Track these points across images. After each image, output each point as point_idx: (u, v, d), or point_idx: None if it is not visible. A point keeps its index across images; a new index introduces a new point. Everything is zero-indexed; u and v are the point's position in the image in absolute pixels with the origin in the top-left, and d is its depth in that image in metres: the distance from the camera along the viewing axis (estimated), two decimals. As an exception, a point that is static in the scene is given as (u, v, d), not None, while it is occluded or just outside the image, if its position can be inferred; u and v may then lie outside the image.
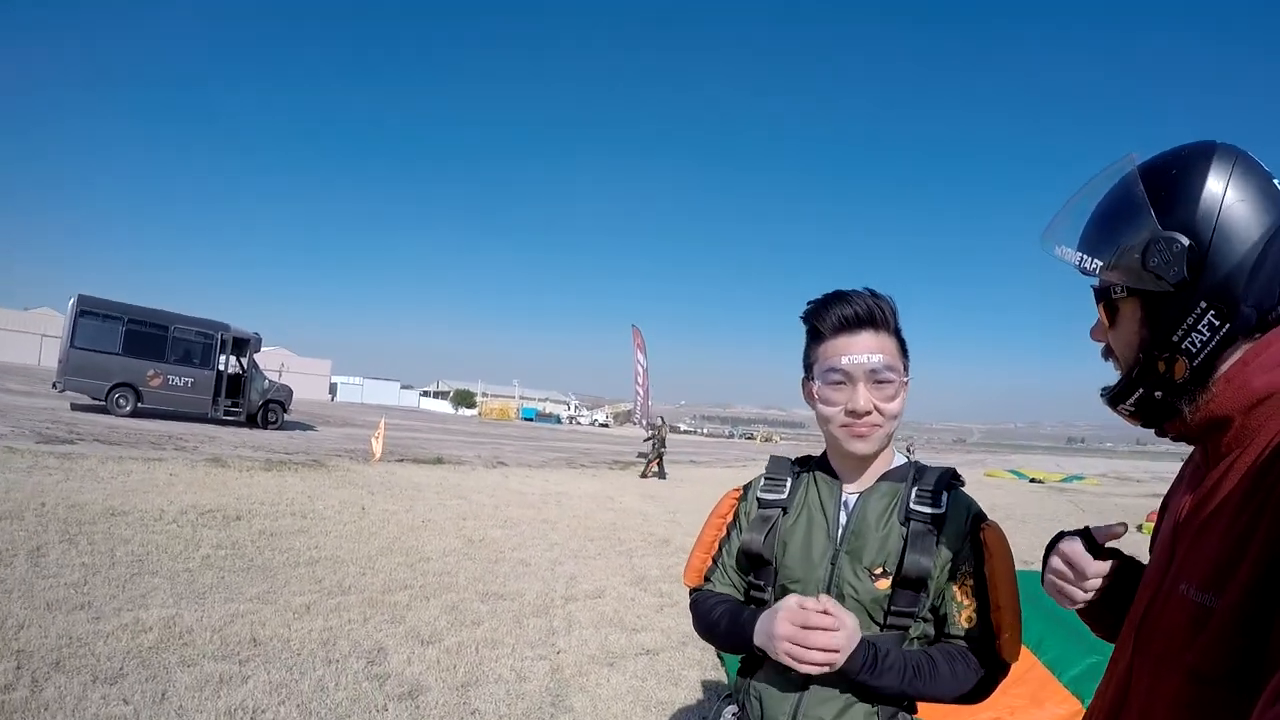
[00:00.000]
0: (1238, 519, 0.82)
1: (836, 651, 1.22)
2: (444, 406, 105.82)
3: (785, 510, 1.45)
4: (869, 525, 1.36)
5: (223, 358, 21.33)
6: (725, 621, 1.41)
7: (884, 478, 1.41)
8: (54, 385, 19.29)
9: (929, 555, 1.31)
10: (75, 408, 19.20)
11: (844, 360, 1.33)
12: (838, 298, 1.38)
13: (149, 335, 20.02)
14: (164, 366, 20.02)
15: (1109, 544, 1.14)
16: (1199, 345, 0.90)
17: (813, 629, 1.22)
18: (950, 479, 1.40)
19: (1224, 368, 0.91)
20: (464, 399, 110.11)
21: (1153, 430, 1.02)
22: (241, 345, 21.86)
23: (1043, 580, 1.19)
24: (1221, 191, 0.89)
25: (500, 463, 18.88)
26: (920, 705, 1.39)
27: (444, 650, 4.35)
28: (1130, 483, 35.01)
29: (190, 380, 20.49)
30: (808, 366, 1.43)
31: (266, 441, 17.38)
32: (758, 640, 1.31)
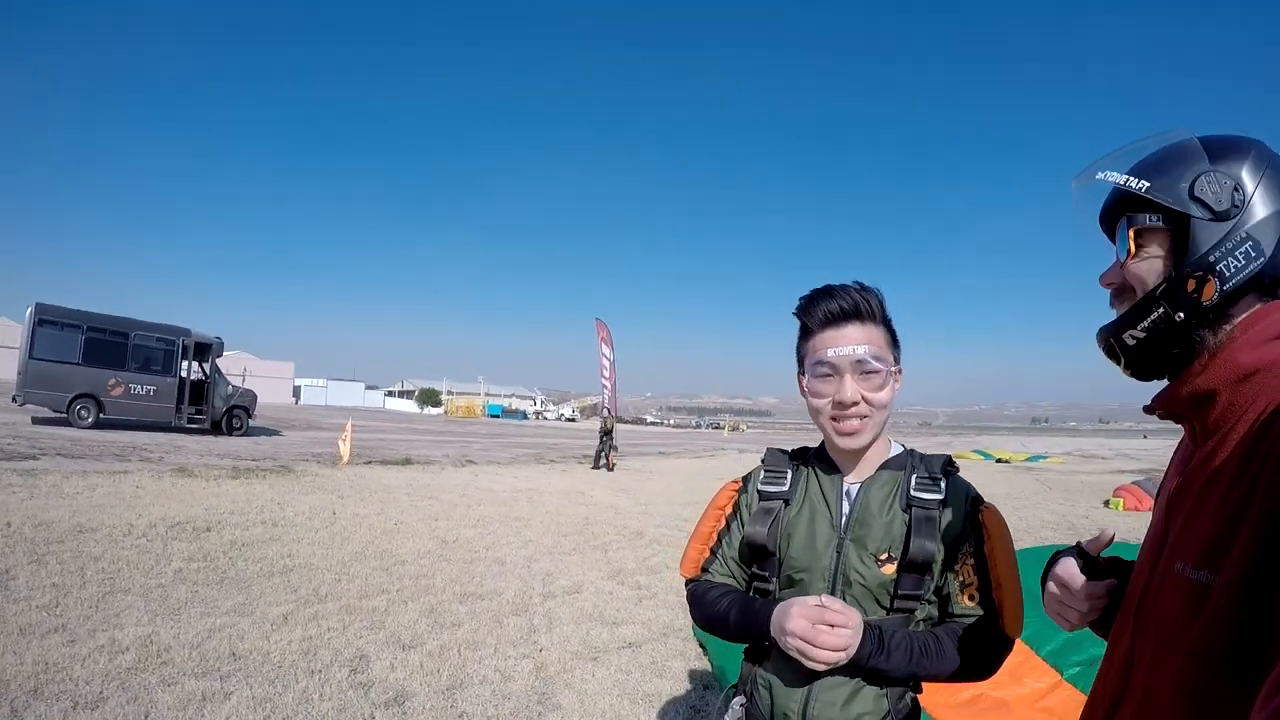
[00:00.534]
0: (1230, 496, 0.84)
1: (845, 650, 1.25)
2: (409, 406, 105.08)
3: (787, 502, 1.48)
4: (872, 513, 1.40)
5: (185, 364, 20.94)
6: (735, 612, 1.44)
7: (884, 466, 1.45)
8: (14, 399, 18.75)
9: (932, 539, 1.35)
10: (36, 421, 18.79)
11: (829, 353, 1.37)
12: (824, 293, 1.41)
13: (109, 343, 19.59)
14: (125, 375, 19.62)
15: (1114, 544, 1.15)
16: (1233, 270, 0.92)
17: (824, 627, 1.26)
18: (947, 465, 1.45)
19: (1227, 328, 0.93)
20: (429, 398, 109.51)
21: (1142, 408, 1.04)
22: (203, 350, 21.45)
23: (1044, 606, 1.20)
24: (1266, 163, 0.94)
25: (469, 461, 18.84)
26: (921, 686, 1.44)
27: (426, 654, 4.36)
28: (1095, 460, 35.77)
29: (152, 388, 20.09)
30: (800, 361, 1.46)
31: (232, 448, 17.15)
32: (771, 632, 1.34)
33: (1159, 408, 1.01)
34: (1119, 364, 1.04)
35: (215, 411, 21.17)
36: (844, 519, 1.42)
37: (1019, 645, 3.76)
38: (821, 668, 1.27)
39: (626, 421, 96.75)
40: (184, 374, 20.87)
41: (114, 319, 20.11)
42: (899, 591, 1.36)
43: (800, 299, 1.45)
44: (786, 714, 1.37)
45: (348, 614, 5.02)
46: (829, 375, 1.38)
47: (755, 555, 1.49)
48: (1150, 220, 1.00)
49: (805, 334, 1.45)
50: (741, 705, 1.46)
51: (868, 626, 1.30)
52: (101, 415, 19.17)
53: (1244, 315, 0.93)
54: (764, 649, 1.44)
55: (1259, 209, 0.92)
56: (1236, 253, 0.92)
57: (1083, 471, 26.29)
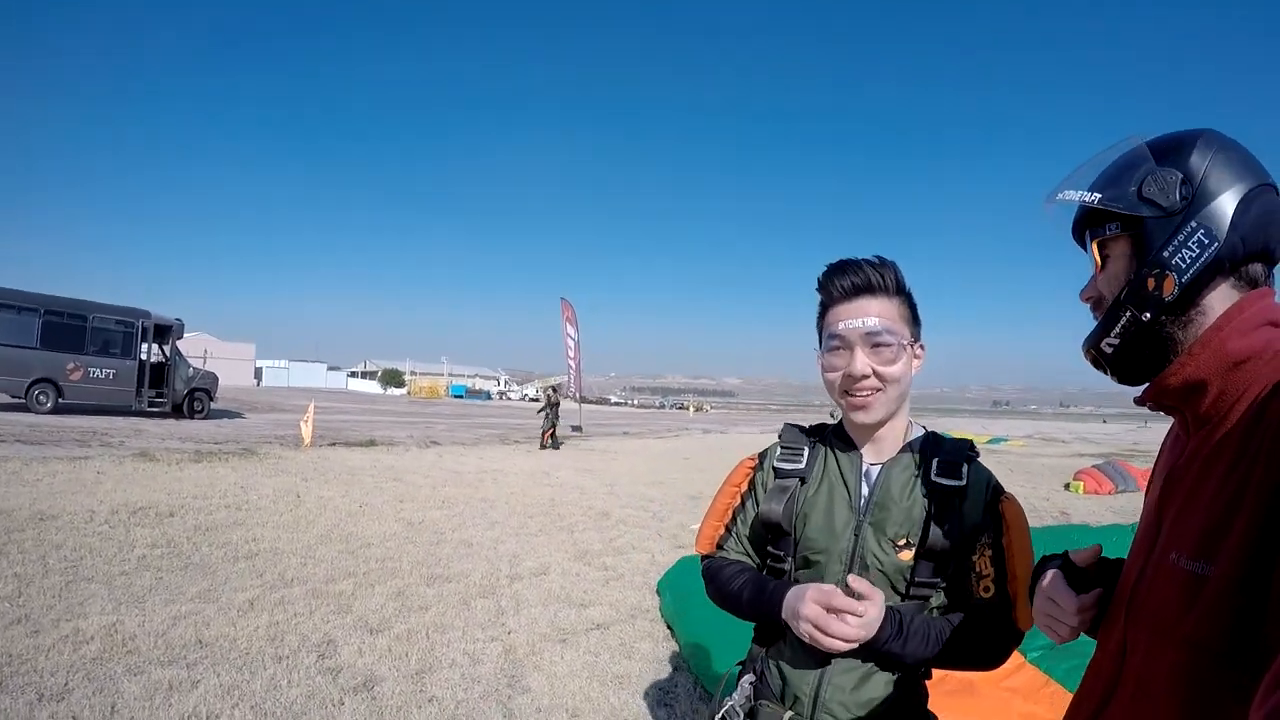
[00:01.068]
0: (1224, 485, 0.84)
1: (854, 641, 1.26)
2: (372, 387, 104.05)
3: (804, 480, 1.46)
4: (893, 496, 1.39)
5: (144, 346, 20.54)
6: (749, 592, 1.44)
7: (905, 449, 1.44)
8: None
9: (952, 527, 1.34)
10: (-9, 406, 18.33)
11: (840, 326, 1.37)
12: (839, 267, 1.41)
13: (67, 326, 19.12)
14: (84, 359, 19.18)
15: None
16: (1188, 261, 0.93)
17: (837, 613, 1.26)
18: (968, 451, 1.44)
19: (1205, 319, 0.94)
20: (392, 378, 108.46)
21: (1134, 399, 1.05)
22: (163, 333, 21.06)
23: (1034, 620, 1.19)
24: (1212, 149, 0.97)
25: (433, 442, 18.76)
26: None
27: (394, 638, 4.40)
28: (1056, 443, 36.33)
29: (112, 372, 19.68)
30: (819, 336, 1.46)
31: (194, 432, 16.94)
32: (785, 615, 1.34)
33: (1149, 399, 1.01)
34: (1106, 373, 1.05)
35: (176, 394, 20.88)
36: (863, 501, 1.40)
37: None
38: (832, 652, 1.28)
39: (591, 401, 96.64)
40: (144, 357, 20.48)
41: (72, 301, 19.65)
42: (915, 578, 1.36)
43: (820, 275, 1.45)
44: (798, 695, 1.38)
45: (314, 598, 5.03)
46: (840, 348, 1.38)
47: (771, 534, 1.47)
48: (1110, 230, 1.03)
49: (823, 309, 1.44)
50: (750, 684, 1.46)
51: (890, 610, 1.30)
52: (60, 400, 18.78)
53: (1226, 303, 0.94)
54: (776, 629, 1.43)
55: (1208, 196, 0.94)
56: (1189, 243, 0.93)
57: (1043, 454, 26.60)
